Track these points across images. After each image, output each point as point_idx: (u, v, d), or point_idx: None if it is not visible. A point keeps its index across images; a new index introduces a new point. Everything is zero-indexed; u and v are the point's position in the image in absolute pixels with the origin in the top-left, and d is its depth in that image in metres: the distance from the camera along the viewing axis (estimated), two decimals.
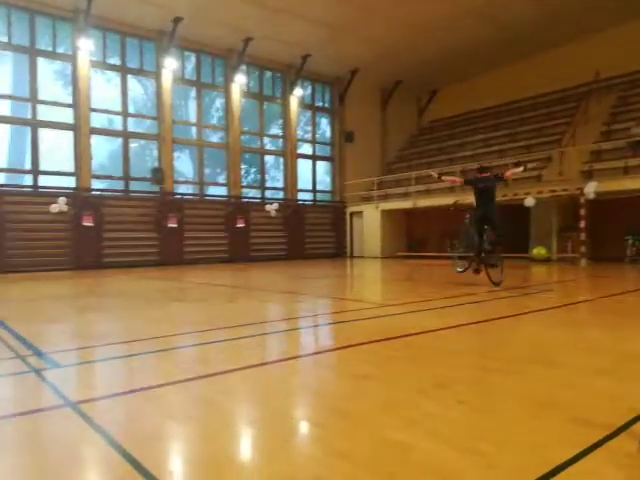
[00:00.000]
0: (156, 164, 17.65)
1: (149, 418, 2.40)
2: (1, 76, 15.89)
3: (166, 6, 15.68)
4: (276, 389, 2.88)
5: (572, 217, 14.75)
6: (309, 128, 22.36)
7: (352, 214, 22.01)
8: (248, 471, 1.89)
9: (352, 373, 3.19)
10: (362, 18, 16.87)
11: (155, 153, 18.05)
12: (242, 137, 19.73)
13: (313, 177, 22.16)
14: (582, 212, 13.66)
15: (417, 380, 2.95)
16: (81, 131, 15.90)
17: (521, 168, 8.99)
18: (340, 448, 1.99)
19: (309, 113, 22.24)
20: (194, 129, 19.00)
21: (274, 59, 19.93)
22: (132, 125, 17.51)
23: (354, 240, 22.05)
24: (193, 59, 18.78)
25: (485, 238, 8.10)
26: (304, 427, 2.35)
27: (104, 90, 17.08)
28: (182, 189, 18.85)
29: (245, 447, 2.17)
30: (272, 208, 19.24)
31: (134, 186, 17.32)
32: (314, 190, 22.15)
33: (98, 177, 16.83)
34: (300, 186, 21.35)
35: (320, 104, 22.49)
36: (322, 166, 22.91)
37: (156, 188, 17.25)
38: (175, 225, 17.01)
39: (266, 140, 20.93)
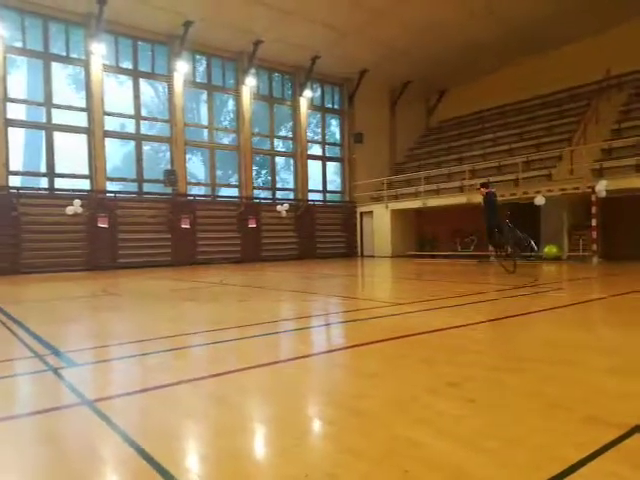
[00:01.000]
0: (169, 166, 17.82)
1: (164, 416, 2.44)
2: (16, 81, 16.15)
3: (177, 10, 15.83)
4: (289, 387, 2.91)
5: (583, 215, 14.61)
6: (319, 129, 22.40)
7: (362, 214, 22.01)
8: (263, 468, 1.92)
9: (364, 371, 3.20)
10: (370, 20, 16.87)
11: (168, 155, 18.22)
12: (253, 139, 19.83)
13: (323, 178, 22.20)
14: (594, 210, 13.53)
15: (428, 378, 2.96)
16: (95, 134, 16.11)
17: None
18: (353, 446, 2.01)
19: (319, 114, 22.28)
20: (205, 131, 19.13)
21: (284, 61, 20.00)
22: (145, 128, 17.69)
23: (364, 240, 22.05)
24: (204, 62, 18.92)
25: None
26: (317, 425, 2.37)
27: (117, 94, 17.29)
28: (194, 190, 18.99)
29: (259, 445, 2.20)
30: (283, 209, 19.30)
31: (147, 188, 17.51)
32: (324, 190, 22.19)
33: (112, 179, 17.05)
34: (310, 187, 21.41)
35: (329, 105, 22.52)
36: (332, 167, 22.94)
37: (169, 190, 17.40)
38: (188, 226, 17.15)
39: (276, 142, 21.01)
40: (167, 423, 2.35)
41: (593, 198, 13.46)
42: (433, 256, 19.33)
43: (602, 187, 13.14)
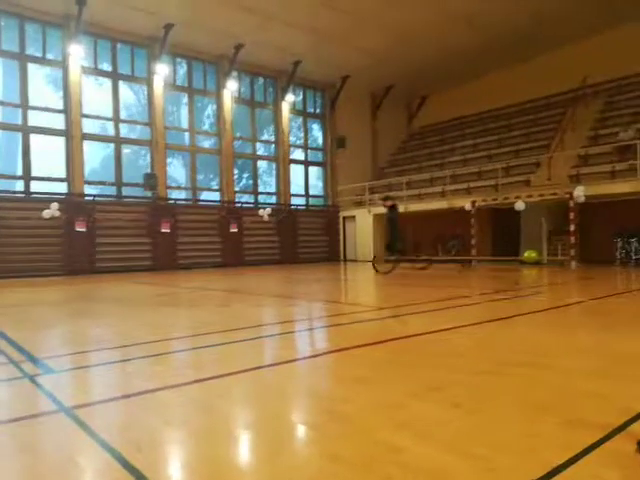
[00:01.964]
0: (149, 170, 17.60)
1: (144, 423, 2.39)
2: None
3: (157, 13, 15.69)
4: (271, 392, 2.87)
5: (562, 220, 14.88)
6: (301, 134, 22.40)
7: (345, 218, 22.06)
8: (244, 475, 1.88)
9: (347, 376, 3.19)
10: (352, 25, 16.98)
11: (148, 159, 18.00)
12: (234, 143, 19.74)
13: (305, 182, 22.20)
14: (572, 215, 13.79)
15: (412, 383, 2.95)
16: (73, 137, 15.84)
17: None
18: (336, 451, 1.99)
19: (301, 119, 22.30)
20: (186, 135, 18.98)
21: (265, 65, 19.99)
22: (124, 131, 17.46)
23: (347, 244, 22.10)
24: (185, 65, 18.78)
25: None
26: (300, 430, 2.35)
27: (96, 96, 17.03)
28: (175, 194, 18.80)
29: (241, 451, 2.17)
30: (265, 213, 19.23)
31: (127, 192, 17.26)
32: (307, 195, 22.18)
33: (90, 183, 16.77)
34: (293, 191, 21.38)
35: (312, 110, 22.56)
36: (314, 171, 22.95)
37: (149, 194, 17.19)
38: (168, 230, 16.96)
39: (258, 146, 20.95)
40: (148, 430, 2.29)
41: (571, 204, 13.72)
42: (415, 260, 19.43)
43: (580, 193, 13.42)
